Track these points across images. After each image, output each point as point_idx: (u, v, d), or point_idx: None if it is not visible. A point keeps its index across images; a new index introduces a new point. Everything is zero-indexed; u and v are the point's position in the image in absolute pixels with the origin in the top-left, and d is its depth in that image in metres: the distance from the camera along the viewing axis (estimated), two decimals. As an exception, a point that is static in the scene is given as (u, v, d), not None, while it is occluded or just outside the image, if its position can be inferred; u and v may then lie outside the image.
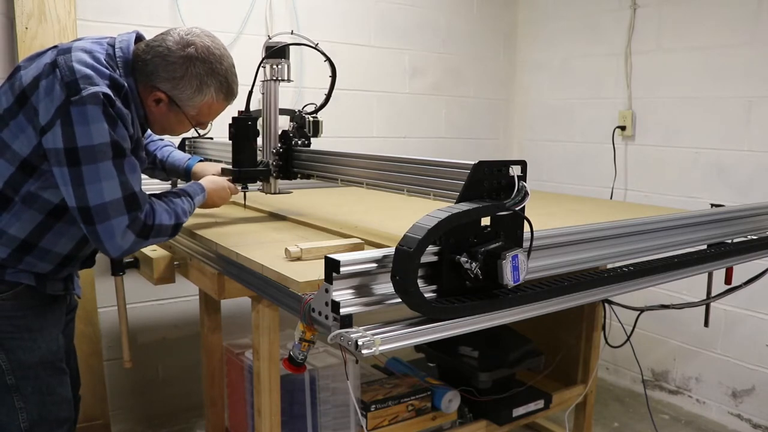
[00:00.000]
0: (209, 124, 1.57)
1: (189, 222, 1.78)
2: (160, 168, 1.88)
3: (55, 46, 1.37)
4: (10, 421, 1.47)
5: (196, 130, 1.55)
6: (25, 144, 1.33)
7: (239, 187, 1.83)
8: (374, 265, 1.05)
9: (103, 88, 1.29)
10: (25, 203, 1.38)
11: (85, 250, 1.53)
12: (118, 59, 1.39)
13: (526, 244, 1.17)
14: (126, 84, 1.37)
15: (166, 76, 1.41)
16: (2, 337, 1.43)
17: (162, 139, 1.92)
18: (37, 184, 1.36)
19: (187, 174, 1.85)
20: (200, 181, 1.69)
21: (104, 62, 1.35)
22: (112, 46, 1.41)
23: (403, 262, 1.00)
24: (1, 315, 1.43)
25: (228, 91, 1.49)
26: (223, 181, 1.76)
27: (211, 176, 1.76)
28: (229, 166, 1.84)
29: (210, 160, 2.37)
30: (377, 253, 1.06)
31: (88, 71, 1.30)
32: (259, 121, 1.87)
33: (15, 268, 1.42)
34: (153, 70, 1.40)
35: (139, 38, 1.47)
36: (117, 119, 1.30)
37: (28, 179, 1.36)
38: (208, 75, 1.43)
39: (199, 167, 1.85)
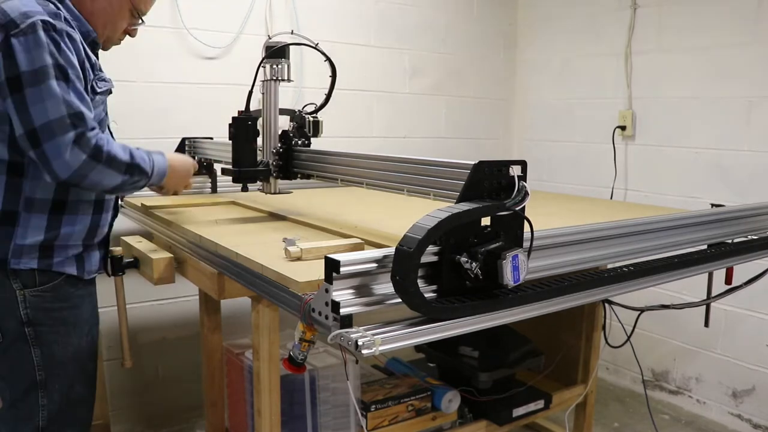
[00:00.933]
0: (143, 17, 1.62)
1: (188, 222, 1.79)
2: None
3: None
4: (31, 418, 1.50)
5: (129, 35, 1.63)
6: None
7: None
8: (374, 265, 1.05)
9: (41, 16, 1.33)
10: (34, 162, 1.40)
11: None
12: None
13: (526, 244, 1.17)
14: (61, 11, 1.40)
15: None
16: (41, 330, 1.48)
17: None
18: None
19: None
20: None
21: (36, 1, 1.37)
22: None
23: (403, 262, 1.00)
24: (42, 307, 1.48)
25: None
26: (191, 163, 1.74)
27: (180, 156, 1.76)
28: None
29: (210, 160, 2.38)
30: (377, 253, 1.06)
31: (23, 8, 1.33)
32: (259, 121, 1.87)
33: (60, 250, 1.48)
34: None
35: None
36: (60, 41, 1.34)
37: None
38: None
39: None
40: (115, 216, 1.70)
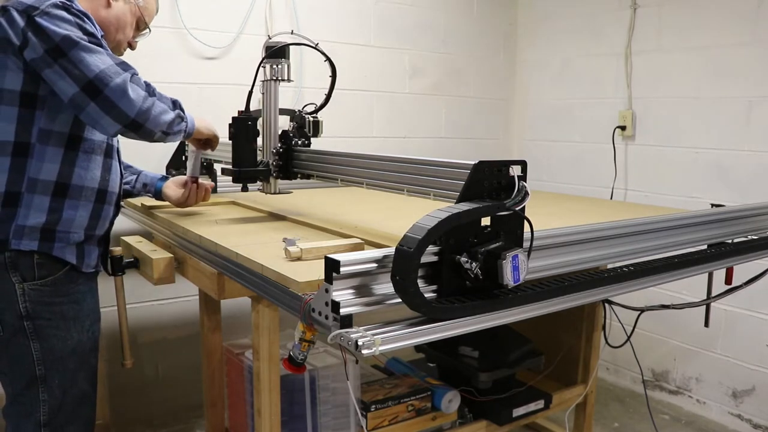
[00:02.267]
0: (142, 32, 1.75)
1: (188, 222, 1.79)
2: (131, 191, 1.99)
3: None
4: (32, 413, 1.50)
5: (130, 46, 1.74)
6: (14, 77, 1.41)
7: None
8: (374, 265, 1.05)
9: (58, 0, 1.41)
10: (42, 142, 1.45)
11: (111, 182, 1.62)
12: None
13: (526, 244, 1.17)
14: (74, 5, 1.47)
15: None
16: (40, 324, 1.49)
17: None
18: (44, 118, 1.44)
19: (158, 193, 1.97)
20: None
21: None
22: None
23: (403, 262, 1.00)
24: (41, 301, 1.48)
25: None
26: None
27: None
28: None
29: (210, 161, 2.38)
30: (377, 253, 1.06)
31: None
32: (259, 121, 1.87)
33: (61, 236, 1.49)
34: None
35: None
36: (82, 16, 1.43)
37: (35, 113, 1.44)
38: None
39: (168, 183, 1.98)
40: (116, 213, 1.71)
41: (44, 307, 1.50)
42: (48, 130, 1.45)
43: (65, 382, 1.54)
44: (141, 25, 1.72)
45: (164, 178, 1.99)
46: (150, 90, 1.48)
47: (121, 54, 1.70)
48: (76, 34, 1.38)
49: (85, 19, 1.44)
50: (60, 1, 1.41)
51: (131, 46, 1.75)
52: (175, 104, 1.57)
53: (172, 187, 1.95)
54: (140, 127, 1.45)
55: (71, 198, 1.51)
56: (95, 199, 1.57)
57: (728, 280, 1.98)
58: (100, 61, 1.39)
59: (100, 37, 1.46)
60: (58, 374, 1.52)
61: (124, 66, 1.43)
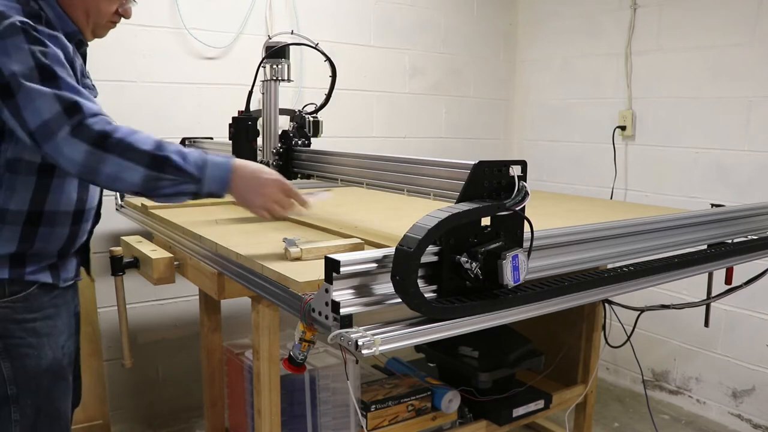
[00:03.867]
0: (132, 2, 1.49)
1: (188, 222, 1.79)
2: None
3: None
4: None
5: (123, 16, 1.48)
6: None
7: (313, 200, 1.43)
8: (374, 265, 1.05)
9: (19, 16, 1.24)
10: (11, 171, 1.33)
11: (89, 200, 1.49)
12: None
13: (526, 244, 1.17)
14: (44, 11, 1.32)
15: None
16: (11, 343, 1.38)
17: None
18: (11, 148, 1.32)
19: None
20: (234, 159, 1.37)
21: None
22: None
23: (403, 262, 1.00)
24: (12, 319, 1.37)
25: None
26: (278, 178, 1.38)
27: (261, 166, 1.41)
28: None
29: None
30: (377, 253, 1.06)
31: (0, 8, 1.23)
32: (259, 121, 1.87)
33: (34, 260, 1.39)
34: None
35: None
36: (44, 41, 1.25)
37: (1, 144, 1.31)
38: None
39: None
40: (96, 222, 1.59)
41: (16, 326, 1.38)
42: (17, 159, 1.33)
43: (38, 402, 1.43)
44: None
45: None
46: (103, 140, 1.23)
47: (112, 27, 1.50)
48: (27, 67, 1.22)
49: (47, 42, 1.26)
50: (20, 21, 1.23)
51: (124, 15, 1.49)
52: (157, 161, 1.25)
53: None
54: (94, 182, 1.31)
55: (45, 225, 1.39)
56: (71, 222, 1.45)
57: (728, 280, 1.98)
58: (44, 107, 1.22)
59: (61, 57, 1.28)
60: (31, 393, 1.41)
61: (71, 112, 1.23)
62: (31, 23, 1.25)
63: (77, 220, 1.46)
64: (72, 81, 1.28)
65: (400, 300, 1.03)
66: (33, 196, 1.36)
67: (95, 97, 1.47)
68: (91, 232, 1.58)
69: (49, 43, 1.26)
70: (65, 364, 1.49)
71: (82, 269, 1.62)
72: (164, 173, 1.25)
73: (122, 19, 1.50)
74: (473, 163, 1.16)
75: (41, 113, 1.22)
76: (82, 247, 1.56)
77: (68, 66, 1.30)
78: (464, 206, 1.08)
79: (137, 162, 1.24)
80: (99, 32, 1.49)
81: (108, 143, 1.23)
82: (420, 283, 1.07)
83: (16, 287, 1.37)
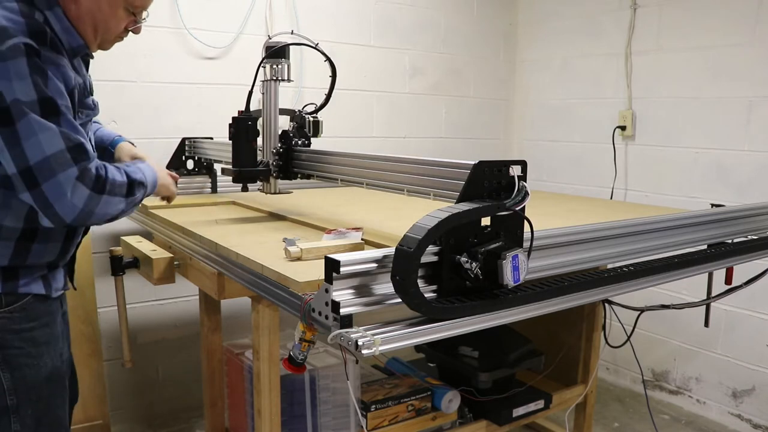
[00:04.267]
0: (142, 17, 1.45)
1: (188, 222, 1.79)
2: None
3: None
4: None
5: (133, 32, 1.46)
6: None
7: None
8: (374, 265, 1.05)
9: (23, 38, 1.18)
10: (6, 188, 1.28)
11: None
12: None
13: (526, 244, 1.17)
14: (47, 27, 1.25)
15: None
16: (10, 353, 1.37)
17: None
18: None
19: (112, 149, 1.72)
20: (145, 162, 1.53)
21: (17, 9, 1.22)
22: None
23: (403, 262, 1.00)
24: (10, 329, 1.36)
25: None
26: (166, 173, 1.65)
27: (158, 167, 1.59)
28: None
29: (210, 161, 2.38)
30: (377, 253, 1.06)
31: (3, 22, 1.17)
32: (259, 121, 1.87)
33: (26, 272, 1.38)
34: None
35: None
36: (47, 71, 1.20)
37: None
38: None
39: (123, 145, 1.72)
40: (84, 234, 1.57)
41: (14, 336, 1.36)
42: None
43: (38, 411, 1.42)
44: (133, 8, 1.41)
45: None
46: (101, 184, 1.25)
47: (119, 41, 1.47)
48: (29, 97, 1.16)
49: (48, 73, 1.21)
50: (24, 44, 1.17)
51: (134, 32, 1.46)
52: (131, 186, 1.35)
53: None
54: (82, 225, 1.33)
55: (39, 242, 1.37)
56: (65, 238, 1.43)
57: (728, 280, 1.98)
58: (48, 142, 1.17)
59: (62, 89, 1.24)
60: (31, 403, 1.40)
61: (77, 154, 1.20)
62: (35, 46, 1.20)
63: (70, 235, 1.46)
64: (71, 117, 1.26)
65: (400, 300, 1.04)
66: (28, 213, 1.33)
67: (95, 111, 1.48)
68: (79, 244, 1.57)
69: (50, 74, 1.22)
70: (65, 371, 1.50)
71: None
72: (134, 194, 1.37)
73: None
74: (473, 163, 1.16)
75: (43, 148, 1.17)
76: (71, 258, 1.55)
77: (68, 98, 1.27)
78: (464, 206, 1.08)
79: (120, 195, 1.32)
80: (105, 46, 1.48)
81: (103, 186, 1.27)
82: (420, 283, 1.07)
83: (11, 298, 1.36)
